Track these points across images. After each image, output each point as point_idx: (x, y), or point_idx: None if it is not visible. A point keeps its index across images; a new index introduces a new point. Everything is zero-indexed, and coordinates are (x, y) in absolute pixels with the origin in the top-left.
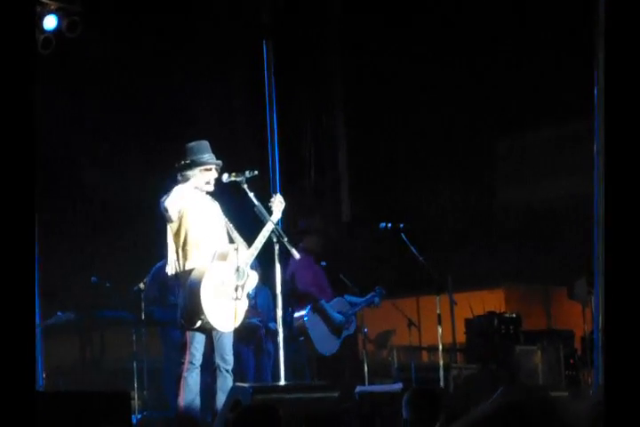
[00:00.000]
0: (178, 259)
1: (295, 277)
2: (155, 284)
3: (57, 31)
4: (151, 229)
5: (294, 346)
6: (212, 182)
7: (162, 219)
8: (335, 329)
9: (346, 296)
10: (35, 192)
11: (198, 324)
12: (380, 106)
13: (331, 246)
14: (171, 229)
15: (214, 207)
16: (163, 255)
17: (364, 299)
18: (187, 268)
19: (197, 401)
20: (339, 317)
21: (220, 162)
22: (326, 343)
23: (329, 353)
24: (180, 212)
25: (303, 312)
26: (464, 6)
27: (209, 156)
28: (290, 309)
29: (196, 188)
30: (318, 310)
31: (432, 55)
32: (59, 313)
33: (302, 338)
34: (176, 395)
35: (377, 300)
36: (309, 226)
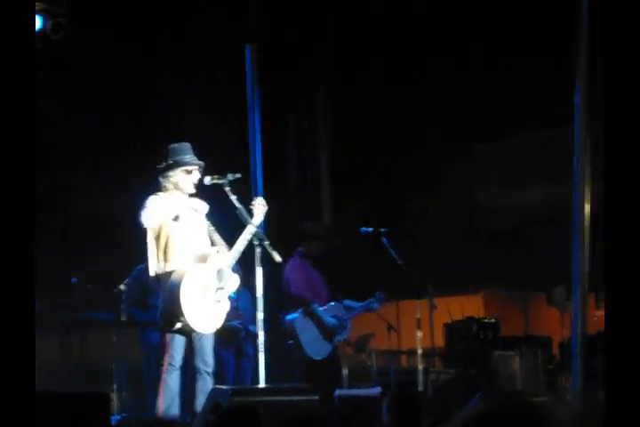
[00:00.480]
0: (158, 261)
1: (289, 281)
2: (136, 286)
3: (41, 32)
4: (132, 230)
5: (285, 349)
6: (194, 184)
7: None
8: (327, 333)
9: (345, 301)
10: (35, 195)
11: (178, 325)
12: (362, 109)
13: (331, 253)
14: (152, 232)
15: (198, 209)
16: (144, 257)
17: (361, 304)
18: (167, 269)
19: (177, 403)
20: (331, 321)
21: (201, 163)
22: (317, 347)
23: (319, 357)
24: (159, 222)
25: (295, 316)
26: (445, 12)
27: (190, 157)
28: (283, 312)
29: (178, 189)
30: (309, 314)
31: (415, 59)
32: None
33: (291, 342)
34: (155, 397)
35: (376, 305)
36: (312, 231)
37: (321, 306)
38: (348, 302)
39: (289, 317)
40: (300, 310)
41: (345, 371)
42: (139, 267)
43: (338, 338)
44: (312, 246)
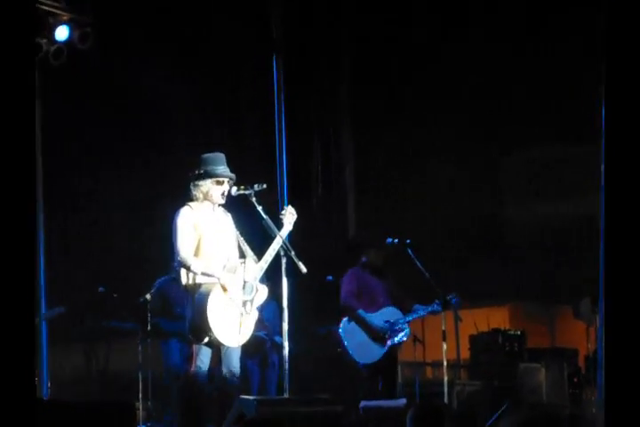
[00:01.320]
0: (187, 272)
1: (340, 292)
2: (161, 296)
3: (69, 42)
4: (158, 241)
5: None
6: (224, 195)
7: (170, 234)
8: (377, 337)
9: (415, 306)
10: (34, 198)
11: (206, 340)
12: (388, 121)
13: (392, 259)
14: (174, 243)
15: (226, 220)
16: (168, 268)
17: (423, 307)
18: (197, 281)
19: (201, 413)
20: (379, 324)
21: (233, 175)
22: (365, 351)
23: (369, 361)
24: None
25: (341, 323)
26: (476, 21)
27: (223, 168)
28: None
29: (207, 200)
30: (355, 319)
31: (441, 70)
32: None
33: (340, 348)
34: (180, 406)
35: (439, 308)
36: (368, 239)
37: (371, 312)
38: (415, 307)
39: (338, 325)
40: (346, 318)
41: (400, 378)
42: (162, 278)
43: (392, 341)
44: (369, 254)
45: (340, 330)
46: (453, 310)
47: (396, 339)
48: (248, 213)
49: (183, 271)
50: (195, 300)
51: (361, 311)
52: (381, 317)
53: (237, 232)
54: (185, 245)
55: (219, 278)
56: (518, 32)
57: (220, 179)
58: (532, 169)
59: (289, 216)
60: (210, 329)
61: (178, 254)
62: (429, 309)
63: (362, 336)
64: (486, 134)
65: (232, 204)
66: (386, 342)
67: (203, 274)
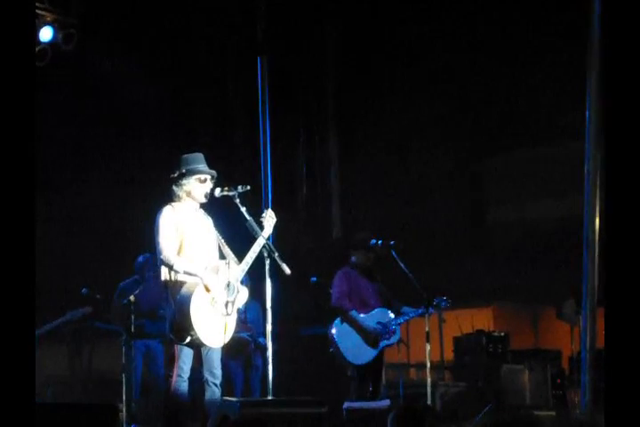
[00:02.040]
0: (169, 273)
1: (332, 292)
2: (144, 297)
3: (53, 43)
4: (142, 241)
5: (324, 357)
6: (206, 193)
7: (152, 233)
8: (370, 339)
9: (403, 308)
10: (34, 203)
11: (188, 339)
12: (372, 123)
13: (379, 261)
14: (156, 242)
15: (206, 222)
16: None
17: (413, 310)
18: (178, 280)
19: (185, 414)
20: (371, 326)
21: (214, 172)
22: (358, 353)
23: (362, 362)
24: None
25: (333, 324)
26: (457, 26)
27: (203, 166)
28: (329, 322)
29: (191, 198)
30: (348, 321)
31: (424, 75)
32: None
33: (332, 349)
34: (164, 408)
35: (430, 310)
36: (359, 240)
37: (364, 313)
38: (405, 309)
39: (330, 326)
40: (338, 319)
41: (384, 380)
42: (127, 280)
43: (385, 342)
44: (360, 255)
45: (334, 331)
46: (438, 311)
47: (387, 341)
48: (228, 216)
49: (164, 271)
50: (177, 299)
51: (354, 312)
52: (373, 318)
53: (217, 234)
54: (167, 243)
55: (202, 278)
56: (509, 38)
57: (203, 176)
58: (516, 170)
59: (269, 220)
60: (192, 328)
61: (160, 253)
62: (419, 311)
63: (355, 338)
64: (472, 135)
65: (212, 206)
66: (378, 344)
67: (185, 273)
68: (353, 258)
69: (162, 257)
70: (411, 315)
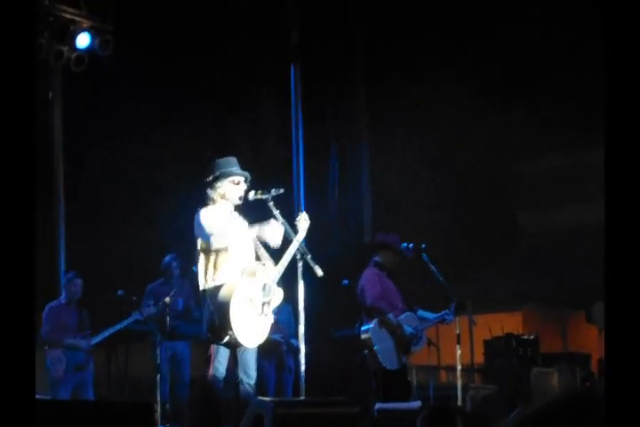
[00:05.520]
0: (207, 273)
1: (364, 291)
2: (180, 299)
3: (90, 49)
4: (176, 243)
5: (358, 359)
6: (241, 196)
7: (195, 232)
8: (402, 344)
9: (419, 311)
10: (35, 208)
11: (226, 339)
12: (403, 128)
13: (405, 264)
14: (200, 245)
15: (242, 223)
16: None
17: (435, 315)
18: (216, 282)
19: (219, 414)
20: (408, 330)
21: (247, 173)
22: (392, 357)
23: (394, 367)
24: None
25: (370, 326)
26: (486, 35)
27: (237, 168)
28: (358, 322)
29: (226, 200)
30: (385, 324)
31: (456, 81)
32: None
33: (367, 351)
34: (197, 410)
35: (450, 317)
36: (387, 241)
37: (396, 316)
38: (421, 313)
39: (364, 327)
40: (375, 320)
41: (414, 382)
42: (154, 283)
43: (413, 349)
44: (386, 256)
45: (370, 334)
46: (468, 314)
47: (415, 347)
48: (261, 218)
49: (202, 271)
50: (216, 299)
51: (391, 315)
52: (404, 322)
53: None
54: (216, 231)
55: (244, 280)
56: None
57: (236, 179)
58: (546, 175)
59: (303, 222)
60: (230, 328)
61: (212, 244)
62: (442, 315)
63: (389, 341)
64: (501, 141)
65: (247, 209)
66: (410, 349)
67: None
68: (377, 258)
69: (216, 245)
70: (434, 320)
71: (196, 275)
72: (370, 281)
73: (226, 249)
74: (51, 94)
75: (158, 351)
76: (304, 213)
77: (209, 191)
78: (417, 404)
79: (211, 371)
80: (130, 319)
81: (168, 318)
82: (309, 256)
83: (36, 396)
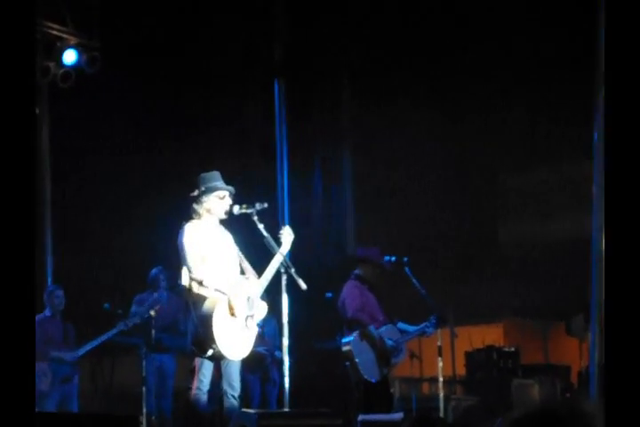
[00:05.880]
0: (191, 288)
1: (345, 304)
2: (165, 311)
3: (77, 66)
4: (152, 255)
5: (339, 371)
6: (226, 210)
7: (177, 249)
8: (383, 356)
9: (399, 324)
10: (34, 213)
11: (210, 352)
12: (386, 140)
13: (386, 277)
14: (184, 259)
15: (227, 237)
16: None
17: (416, 328)
18: (201, 294)
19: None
20: (389, 343)
21: (231, 188)
22: (373, 369)
23: (375, 379)
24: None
25: (351, 338)
26: (468, 47)
27: (221, 183)
28: (339, 334)
29: (212, 214)
30: (366, 336)
31: (439, 93)
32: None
33: (348, 363)
34: (183, 419)
35: (430, 330)
36: (367, 255)
37: (376, 329)
38: (401, 326)
39: (345, 339)
40: (356, 333)
41: (397, 393)
42: (141, 294)
43: (394, 361)
44: (367, 270)
45: (351, 346)
46: (450, 326)
47: (395, 359)
48: (246, 232)
49: (186, 284)
50: (199, 313)
51: (372, 328)
52: (384, 334)
53: (237, 249)
54: (195, 260)
55: (229, 295)
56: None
57: (222, 193)
58: (527, 187)
59: (287, 236)
60: (214, 341)
61: (190, 270)
62: (421, 328)
63: (370, 353)
64: (486, 154)
65: (231, 223)
66: (390, 361)
67: (215, 290)
68: (358, 271)
69: (192, 275)
70: (415, 333)
71: (182, 288)
72: (351, 294)
73: (211, 260)
74: (37, 110)
75: (144, 364)
76: (287, 226)
77: (194, 206)
78: (399, 415)
79: (195, 383)
80: (114, 330)
81: (153, 331)
82: (293, 270)
83: None
